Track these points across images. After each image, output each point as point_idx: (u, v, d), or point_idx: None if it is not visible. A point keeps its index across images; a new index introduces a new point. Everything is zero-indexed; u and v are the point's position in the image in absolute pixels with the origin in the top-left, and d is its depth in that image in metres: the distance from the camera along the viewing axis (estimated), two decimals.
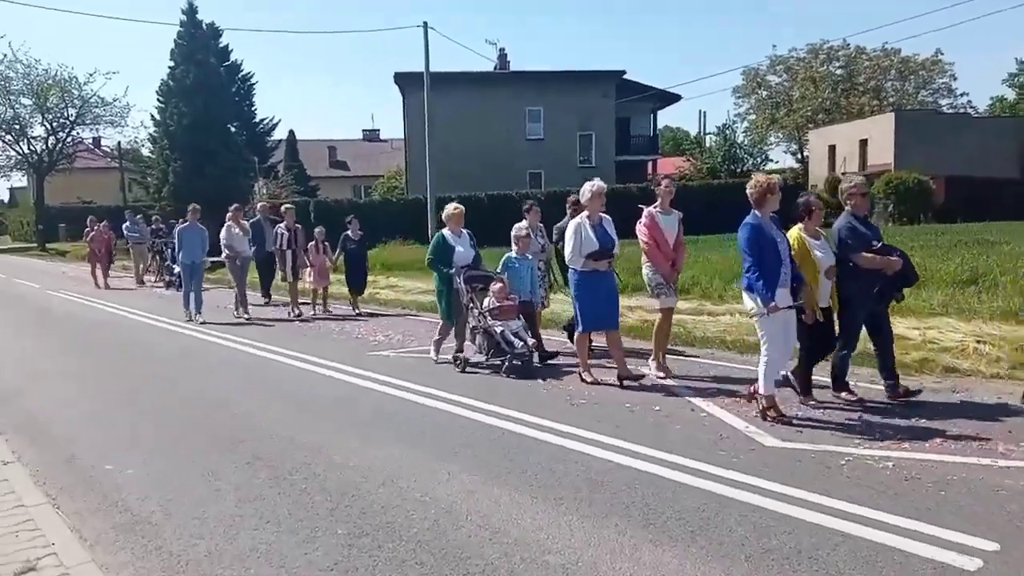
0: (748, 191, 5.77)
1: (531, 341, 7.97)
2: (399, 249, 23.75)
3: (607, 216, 7.27)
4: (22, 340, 11.44)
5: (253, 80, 44.11)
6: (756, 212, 5.75)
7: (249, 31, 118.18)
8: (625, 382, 7.10)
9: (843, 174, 34.55)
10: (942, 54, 50.99)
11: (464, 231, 8.52)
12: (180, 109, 30.21)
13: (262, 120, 45.28)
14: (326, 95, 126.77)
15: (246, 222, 13.70)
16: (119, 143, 43.89)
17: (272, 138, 46.60)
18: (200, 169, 29.03)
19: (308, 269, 13.20)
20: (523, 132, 38.78)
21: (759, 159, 51.08)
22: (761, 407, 5.84)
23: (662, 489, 4.52)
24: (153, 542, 4.04)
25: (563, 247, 7.55)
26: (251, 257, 13.75)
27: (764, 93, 54.58)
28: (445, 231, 8.47)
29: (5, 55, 38.87)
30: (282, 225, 13.40)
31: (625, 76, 39.08)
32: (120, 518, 4.38)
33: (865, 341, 6.42)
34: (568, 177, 31.84)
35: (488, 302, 8.06)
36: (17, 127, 41.06)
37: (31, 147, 42.08)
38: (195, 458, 5.40)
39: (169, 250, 18.61)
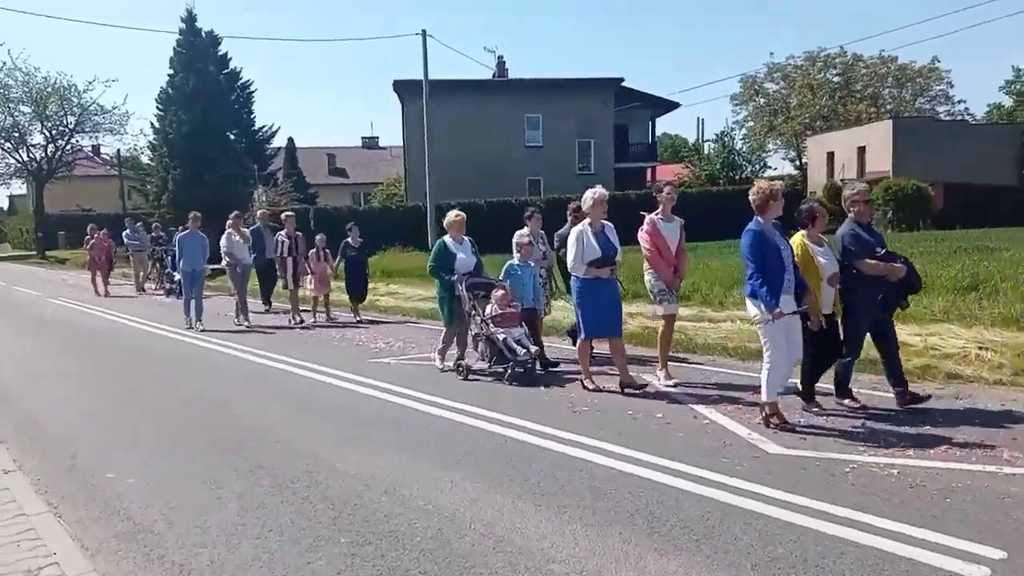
0: (751, 197, 5.78)
1: (534, 348, 7.96)
2: (399, 256, 23.75)
3: (609, 223, 7.27)
4: (22, 343, 11.41)
5: (252, 88, 44.16)
6: (759, 218, 5.75)
7: (248, 39, 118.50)
8: (627, 389, 7.08)
9: (842, 181, 34.60)
10: (939, 61, 51.38)
11: (466, 238, 8.51)
12: (179, 117, 30.22)
13: (261, 128, 45.27)
14: (325, 103, 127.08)
15: (246, 229, 13.70)
16: (118, 151, 44.05)
17: (271, 146, 46.58)
18: (199, 177, 29.01)
19: (308, 276, 13.19)
20: (522, 139, 38.85)
21: (758, 166, 51.14)
22: (764, 414, 5.82)
23: (666, 497, 4.50)
24: (155, 551, 4.02)
25: (565, 254, 7.55)
26: (251, 264, 13.74)
27: (762, 100, 54.82)
28: (447, 238, 8.47)
29: (4, 63, 39.06)
30: (283, 232, 13.40)
31: (623, 84, 39.20)
32: (122, 527, 4.36)
33: (867, 348, 6.41)
34: (567, 184, 31.87)
35: (490, 309, 8.05)
36: (16, 135, 41.13)
37: (30, 155, 42.16)
38: (197, 465, 5.38)
39: (169, 257, 18.61)
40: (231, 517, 4.42)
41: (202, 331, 12.26)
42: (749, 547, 3.80)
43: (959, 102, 53.46)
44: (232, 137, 34.79)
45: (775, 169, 54.88)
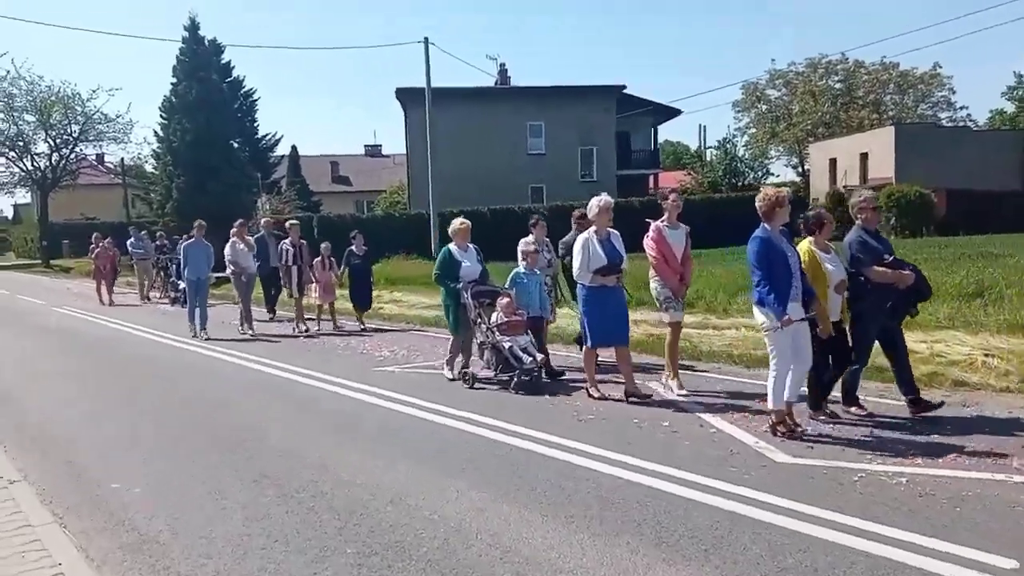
0: (757, 204, 5.76)
1: (540, 357, 7.94)
2: (402, 264, 23.73)
3: (615, 231, 7.25)
4: (24, 347, 11.42)
5: (255, 96, 44.35)
6: (765, 225, 5.73)
7: (251, 47, 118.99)
8: (631, 398, 7.06)
9: (845, 187, 34.61)
10: (940, 67, 51.37)
11: (471, 246, 8.50)
12: (183, 125, 30.29)
13: (265, 136, 45.49)
14: (327, 111, 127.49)
15: (251, 238, 13.71)
16: (122, 159, 44.16)
17: (275, 154, 46.76)
18: (203, 185, 29.06)
19: (313, 285, 13.19)
20: (524, 147, 38.89)
21: (760, 173, 51.27)
22: (771, 422, 5.80)
23: (673, 506, 4.47)
24: (161, 562, 4.00)
25: (570, 262, 7.54)
26: (256, 273, 13.74)
27: (764, 107, 54.86)
28: (451, 246, 8.46)
29: (8, 72, 39.28)
30: (287, 241, 13.41)
31: (625, 91, 39.26)
32: (127, 537, 4.34)
33: (875, 356, 6.38)
34: (570, 191, 31.91)
35: (496, 317, 8.03)
36: (21, 144, 41.27)
37: (35, 164, 42.31)
38: (201, 475, 5.37)
39: (174, 266, 18.63)
40: (236, 527, 4.40)
41: (206, 339, 12.26)
42: (758, 557, 3.77)
43: (961, 108, 53.48)
44: (235, 145, 34.90)
45: (777, 176, 55.00)
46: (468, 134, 35.95)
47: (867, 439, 5.66)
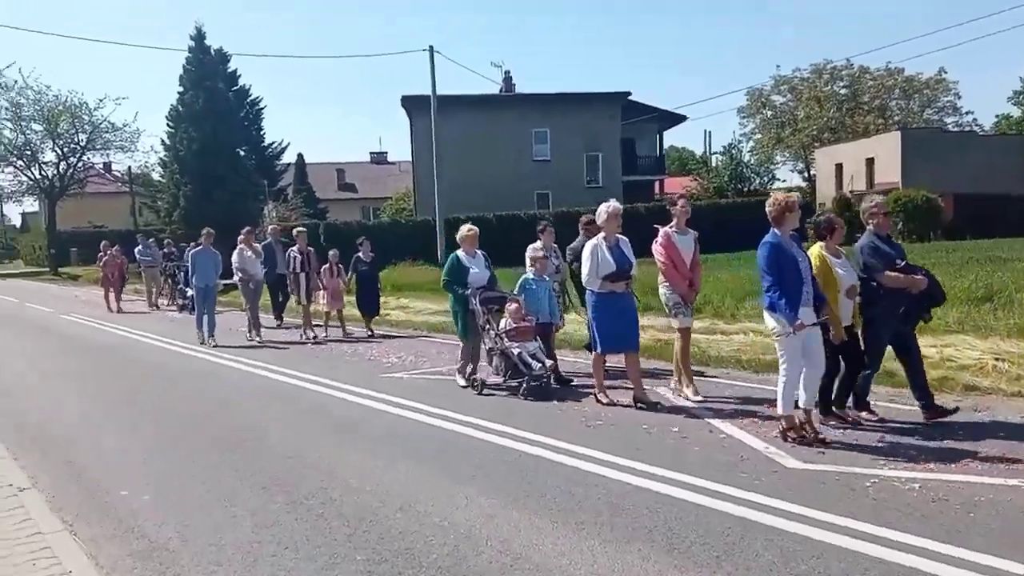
0: (767, 209, 5.74)
1: (549, 363, 7.92)
2: (409, 270, 23.77)
3: (624, 237, 7.24)
4: (30, 352, 11.46)
5: (261, 105, 44.56)
6: (775, 230, 5.71)
7: (257, 56, 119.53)
8: (639, 404, 7.03)
9: (851, 192, 34.55)
10: (945, 73, 51.33)
11: (479, 252, 8.50)
12: (190, 134, 30.45)
13: (271, 144, 45.64)
14: (332, 119, 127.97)
15: (258, 245, 13.75)
16: (129, 168, 44.34)
17: (281, 161, 46.91)
18: (209, 194, 29.18)
19: (321, 292, 13.21)
20: (530, 153, 38.97)
21: (766, 178, 51.18)
22: (782, 428, 5.77)
23: (684, 512, 4.45)
24: (171, 569, 4.00)
25: (578, 268, 7.53)
26: (263, 280, 13.78)
27: (769, 113, 54.85)
28: (460, 252, 8.45)
29: (16, 82, 39.35)
30: (295, 248, 13.44)
31: (630, 97, 39.31)
32: (137, 545, 4.34)
33: (887, 361, 6.35)
34: (576, 197, 31.92)
35: (504, 323, 8.02)
36: (29, 153, 41.52)
37: (42, 172, 42.54)
38: (210, 482, 5.37)
39: (181, 273, 18.70)
40: (246, 535, 4.39)
41: (214, 346, 12.29)
42: (771, 564, 3.75)
43: (967, 113, 53.48)
44: (242, 153, 35.02)
45: (784, 181, 54.91)
46: (473, 141, 36.04)
47: (879, 444, 5.62)
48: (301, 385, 8.89)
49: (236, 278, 13.39)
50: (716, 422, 6.41)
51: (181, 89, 31.56)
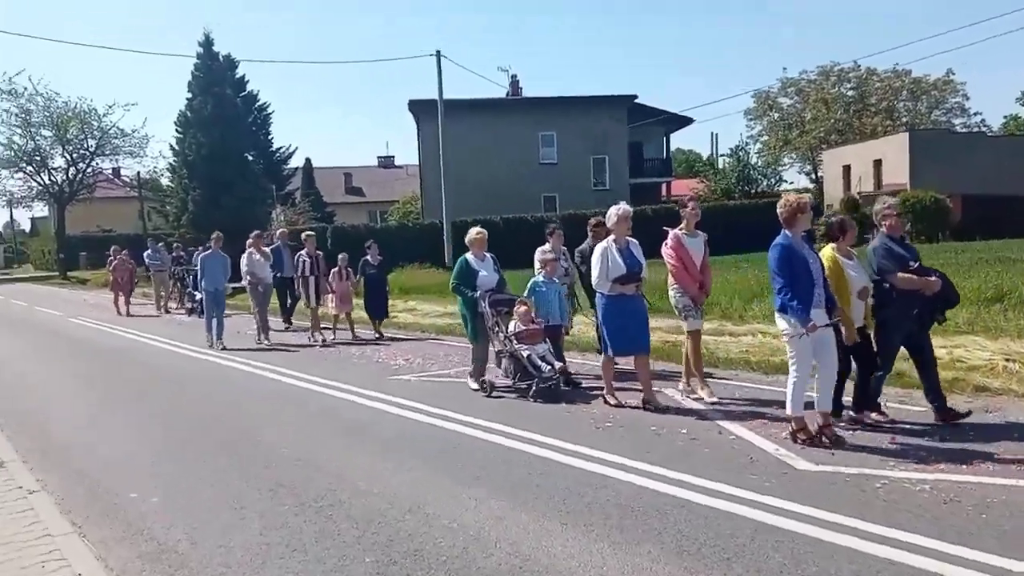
0: (778, 211, 5.72)
1: (558, 365, 7.91)
2: (417, 273, 23.82)
3: (634, 240, 7.23)
4: (40, 355, 11.52)
5: (269, 110, 44.73)
6: (787, 232, 5.68)
7: (265, 62, 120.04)
8: (648, 406, 7.01)
9: (859, 194, 34.42)
10: (953, 74, 51.13)
11: (487, 255, 8.49)
12: (198, 139, 30.61)
13: (279, 148, 45.84)
14: (339, 122, 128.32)
15: (267, 248, 13.79)
16: (138, 173, 44.55)
17: (289, 166, 47.07)
18: (218, 198, 29.31)
19: (330, 295, 13.24)
20: (537, 157, 38.97)
21: (773, 180, 51.03)
22: (791, 429, 5.73)
23: (694, 515, 4.43)
24: (180, 571, 4.00)
25: (587, 270, 7.51)
26: (272, 284, 13.82)
27: (776, 115, 54.71)
28: (468, 255, 8.44)
29: (26, 88, 39.60)
30: (304, 252, 13.47)
31: (637, 100, 39.30)
32: (146, 547, 4.34)
33: (896, 361, 6.31)
34: (583, 200, 31.89)
35: (513, 326, 8.02)
36: (38, 158, 41.79)
37: (52, 178, 42.82)
38: (218, 484, 5.37)
39: (190, 277, 18.78)
40: (255, 537, 4.39)
41: (223, 349, 12.32)
42: (781, 565, 3.72)
43: (975, 114, 53.18)
44: (250, 158, 35.22)
45: (791, 183, 54.71)
46: (480, 144, 36.11)
47: (889, 446, 5.59)
48: (309, 388, 8.90)
49: (245, 282, 13.43)
50: (725, 424, 6.38)
51: (190, 95, 31.75)
